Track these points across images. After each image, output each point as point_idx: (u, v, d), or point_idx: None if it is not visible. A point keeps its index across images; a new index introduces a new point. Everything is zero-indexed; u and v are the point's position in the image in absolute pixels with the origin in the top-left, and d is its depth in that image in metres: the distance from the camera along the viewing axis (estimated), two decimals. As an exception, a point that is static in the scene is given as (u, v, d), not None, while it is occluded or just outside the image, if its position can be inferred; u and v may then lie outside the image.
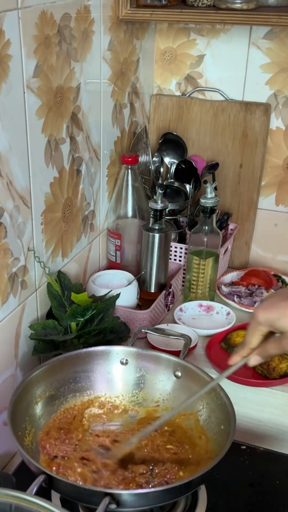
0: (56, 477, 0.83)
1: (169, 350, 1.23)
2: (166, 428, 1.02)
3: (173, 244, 1.53)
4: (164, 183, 1.58)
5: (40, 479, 0.82)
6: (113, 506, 0.80)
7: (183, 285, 1.55)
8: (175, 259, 1.56)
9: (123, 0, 1.32)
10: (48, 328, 1.18)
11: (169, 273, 1.49)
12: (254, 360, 0.87)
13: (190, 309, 1.47)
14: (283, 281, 1.58)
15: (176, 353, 1.11)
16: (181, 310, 1.46)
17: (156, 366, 1.09)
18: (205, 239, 1.42)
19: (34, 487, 0.81)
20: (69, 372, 1.07)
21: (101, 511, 0.78)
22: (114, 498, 0.80)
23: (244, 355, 0.87)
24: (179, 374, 1.06)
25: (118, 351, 1.10)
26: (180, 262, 1.55)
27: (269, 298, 0.86)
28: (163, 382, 1.08)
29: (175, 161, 1.60)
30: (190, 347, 1.30)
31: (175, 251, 1.55)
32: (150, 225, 1.41)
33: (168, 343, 1.29)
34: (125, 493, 0.81)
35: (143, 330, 1.18)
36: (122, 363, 1.10)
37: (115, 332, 1.26)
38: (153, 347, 1.29)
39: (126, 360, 1.09)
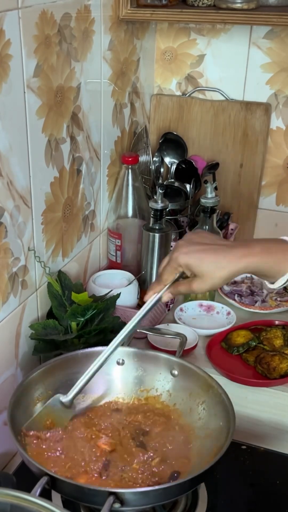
0: (59, 478, 0.83)
1: (168, 349, 1.23)
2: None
3: (173, 244, 1.53)
4: (165, 183, 1.58)
5: (43, 480, 0.81)
6: (117, 505, 0.80)
7: (183, 285, 1.55)
8: (175, 259, 1.55)
9: (124, 0, 1.32)
10: (49, 328, 1.18)
11: (169, 273, 1.48)
12: (167, 297, 0.96)
13: (190, 309, 1.47)
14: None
15: (174, 353, 1.11)
16: (181, 310, 1.46)
17: (153, 366, 1.09)
18: (206, 239, 1.42)
19: (37, 489, 0.80)
20: (68, 373, 1.07)
21: (106, 510, 0.77)
22: (118, 497, 0.80)
23: (158, 291, 0.95)
24: (176, 372, 1.06)
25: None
26: (180, 262, 1.55)
27: (190, 243, 0.91)
28: (161, 381, 1.08)
29: (176, 161, 1.60)
30: (191, 347, 1.30)
31: (175, 251, 1.55)
32: (151, 225, 1.41)
33: (168, 343, 1.29)
34: (130, 492, 0.81)
35: (138, 330, 1.18)
36: (118, 363, 1.09)
37: (115, 332, 1.25)
38: (153, 347, 1.29)
39: (123, 360, 1.09)
